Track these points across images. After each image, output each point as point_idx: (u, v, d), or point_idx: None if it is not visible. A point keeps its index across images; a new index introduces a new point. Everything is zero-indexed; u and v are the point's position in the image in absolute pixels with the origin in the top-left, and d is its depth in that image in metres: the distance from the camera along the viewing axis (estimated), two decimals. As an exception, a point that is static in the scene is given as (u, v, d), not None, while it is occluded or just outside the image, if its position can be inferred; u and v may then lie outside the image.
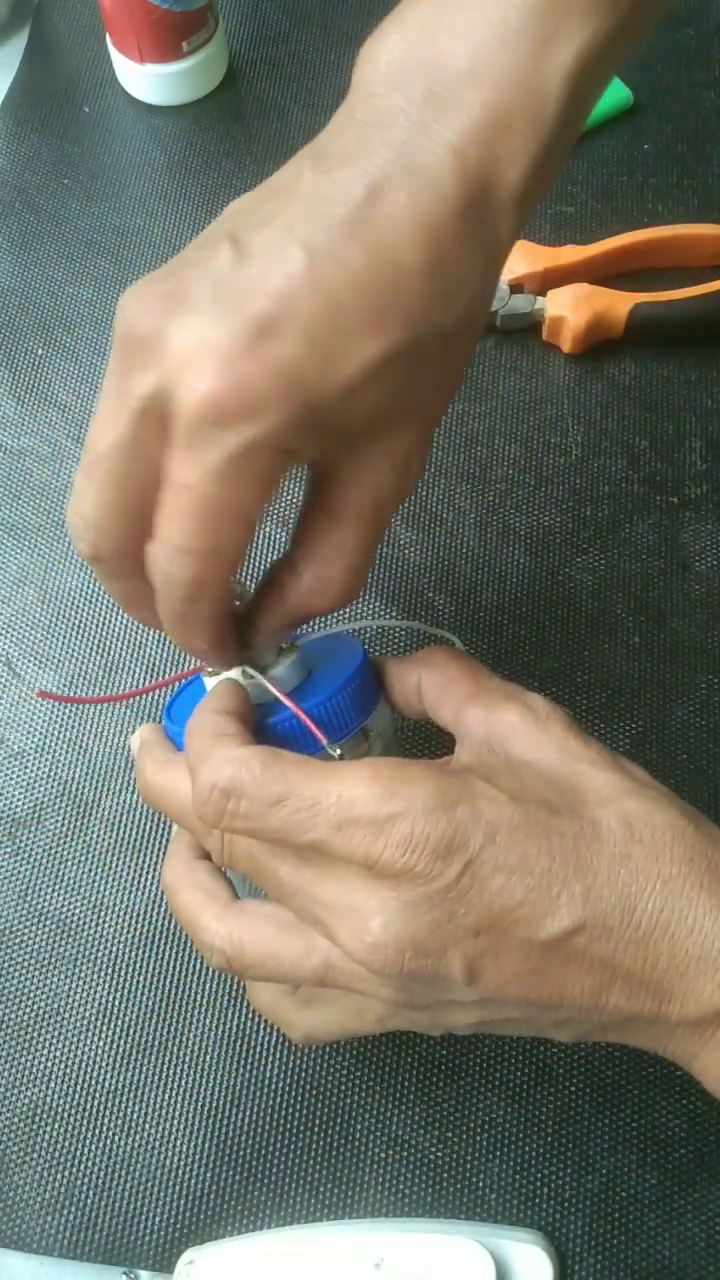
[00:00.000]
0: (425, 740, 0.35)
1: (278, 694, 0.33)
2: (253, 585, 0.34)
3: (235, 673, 0.34)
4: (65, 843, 0.48)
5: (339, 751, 0.33)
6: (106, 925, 0.46)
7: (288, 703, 0.33)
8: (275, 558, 0.34)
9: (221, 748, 0.30)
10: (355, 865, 0.28)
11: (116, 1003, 0.45)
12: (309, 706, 0.33)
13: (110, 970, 0.45)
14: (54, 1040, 0.44)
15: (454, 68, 0.28)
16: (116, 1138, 0.43)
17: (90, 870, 0.47)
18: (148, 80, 0.65)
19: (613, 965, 0.28)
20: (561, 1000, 0.29)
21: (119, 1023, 0.44)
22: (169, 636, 0.32)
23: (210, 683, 0.35)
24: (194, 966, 0.45)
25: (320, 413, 0.27)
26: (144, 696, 0.51)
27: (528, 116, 0.28)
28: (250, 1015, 0.44)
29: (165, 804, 0.34)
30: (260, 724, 0.33)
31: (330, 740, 0.33)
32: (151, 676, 0.51)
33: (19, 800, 0.48)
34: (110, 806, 0.48)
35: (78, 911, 0.46)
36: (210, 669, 0.35)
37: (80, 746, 0.49)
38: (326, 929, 0.30)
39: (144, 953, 0.45)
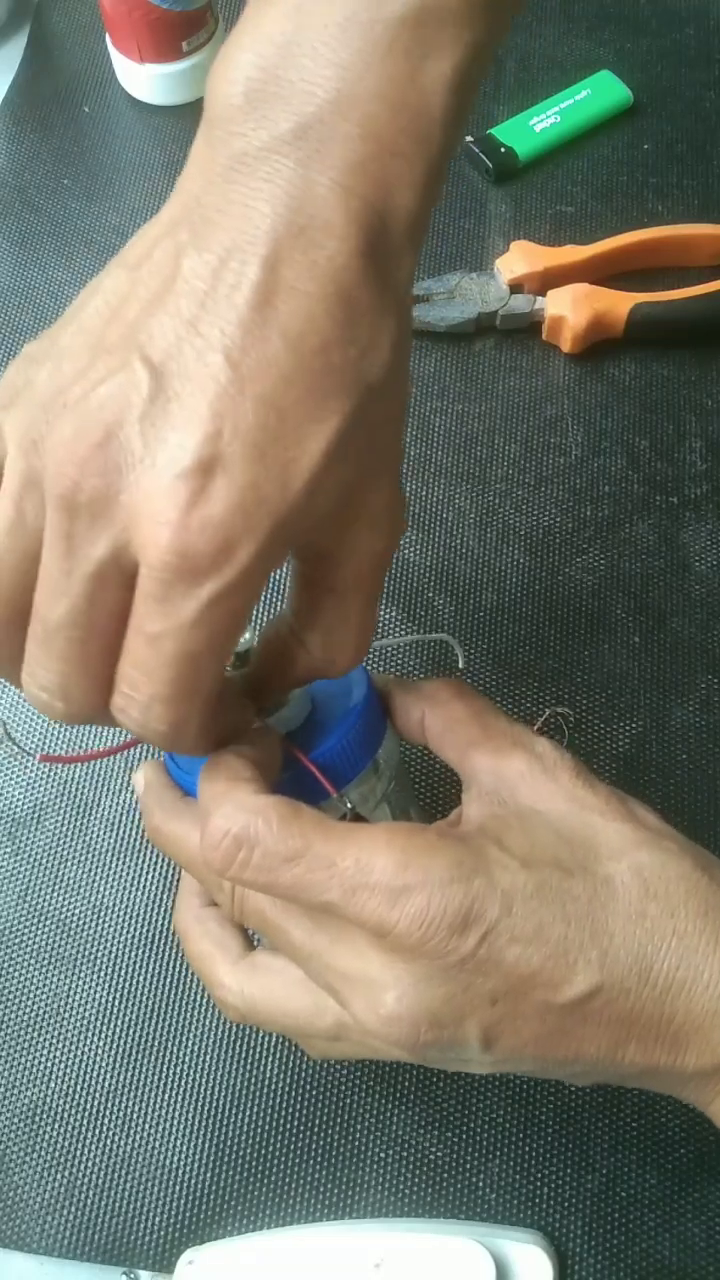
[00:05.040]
0: (427, 756, 0.35)
1: (287, 747, 0.32)
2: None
3: None
4: (65, 843, 0.48)
5: (350, 805, 0.32)
6: (106, 925, 0.46)
7: (300, 756, 0.32)
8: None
9: (238, 793, 0.29)
10: (367, 932, 0.28)
11: (116, 1003, 0.45)
12: (317, 754, 0.32)
13: (110, 970, 0.45)
14: (54, 1040, 0.44)
15: (321, 94, 0.26)
16: (116, 1138, 0.42)
17: (90, 870, 0.47)
18: (148, 80, 0.65)
19: (629, 1023, 0.28)
20: (578, 1058, 0.29)
21: (119, 1023, 0.44)
22: None
23: None
24: (194, 966, 0.45)
25: (291, 521, 0.26)
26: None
27: (413, 136, 0.26)
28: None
29: (174, 853, 0.33)
30: None
31: (343, 780, 0.32)
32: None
33: (19, 800, 0.48)
34: (110, 806, 0.48)
35: (78, 911, 0.46)
36: None
37: (81, 747, 0.49)
38: (340, 997, 0.30)
39: (144, 953, 0.45)
